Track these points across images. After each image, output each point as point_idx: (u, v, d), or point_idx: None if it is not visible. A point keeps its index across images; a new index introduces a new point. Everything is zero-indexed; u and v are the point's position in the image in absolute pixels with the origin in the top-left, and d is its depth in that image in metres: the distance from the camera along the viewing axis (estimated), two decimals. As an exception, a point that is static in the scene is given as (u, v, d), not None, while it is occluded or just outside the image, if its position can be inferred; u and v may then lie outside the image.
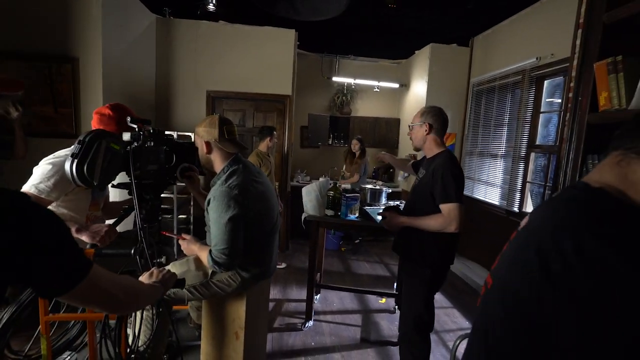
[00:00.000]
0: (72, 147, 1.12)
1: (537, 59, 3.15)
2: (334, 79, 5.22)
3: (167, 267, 1.53)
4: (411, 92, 5.04)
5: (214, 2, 3.64)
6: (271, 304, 2.97)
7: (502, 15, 3.66)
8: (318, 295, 3.13)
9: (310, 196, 2.48)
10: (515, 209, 3.33)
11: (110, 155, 1.16)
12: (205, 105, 3.99)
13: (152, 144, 1.29)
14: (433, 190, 1.65)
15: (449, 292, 3.36)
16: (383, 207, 1.85)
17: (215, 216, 1.43)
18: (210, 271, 1.55)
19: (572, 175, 1.55)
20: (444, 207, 1.61)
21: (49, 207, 1.48)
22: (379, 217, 1.83)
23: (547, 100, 3.27)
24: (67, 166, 1.11)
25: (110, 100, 2.95)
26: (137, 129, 1.27)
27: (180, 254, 1.73)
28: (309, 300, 2.65)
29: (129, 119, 1.27)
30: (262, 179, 1.63)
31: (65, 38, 2.74)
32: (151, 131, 1.29)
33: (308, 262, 2.66)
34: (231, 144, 1.53)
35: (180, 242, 1.61)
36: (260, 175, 1.63)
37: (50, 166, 1.45)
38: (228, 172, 1.51)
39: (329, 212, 2.47)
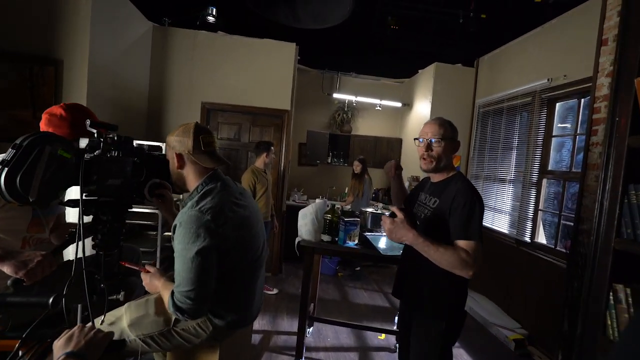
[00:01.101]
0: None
1: (548, 80, 3.00)
2: (335, 95, 5.08)
3: (122, 309, 1.27)
4: (414, 111, 4.89)
5: (214, 13, 3.53)
6: (258, 337, 2.67)
7: (509, 36, 3.56)
8: (311, 329, 2.84)
9: (305, 219, 2.24)
10: (527, 239, 3.10)
11: (56, 165, 0.94)
12: (200, 116, 3.80)
13: (116, 153, 1.06)
14: (450, 221, 1.31)
15: (454, 328, 3.07)
16: (391, 210, 1.35)
17: (180, 248, 1.14)
18: (173, 317, 1.24)
19: (610, 208, 1.34)
20: (464, 245, 1.26)
21: None
22: (386, 214, 1.41)
23: (559, 125, 3.11)
24: None
25: (96, 106, 2.74)
26: (96, 135, 1.03)
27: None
28: (300, 336, 2.36)
29: (88, 122, 1.03)
30: (245, 200, 1.33)
31: (49, 38, 2.56)
32: (115, 139, 1.06)
33: (301, 292, 2.39)
34: (208, 157, 1.26)
35: (143, 275, 1.32)
36: (243, 197, 1.34)
37: None
38: (202, 191, 1.23)
39: (326, 238, 2.23)
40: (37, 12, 2.54)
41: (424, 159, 1.42)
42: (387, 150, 5.19)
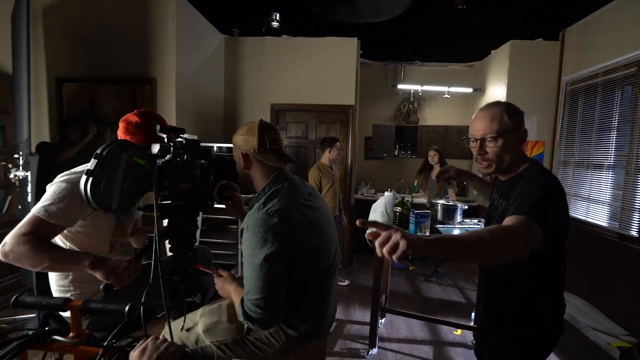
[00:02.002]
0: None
1: (657, 46, 2.55)
2: (399, 86, 4.96)
3: (197, 314, 1.26)
4: (487, 96, 4.54)
5: (277, 18, 3.72)
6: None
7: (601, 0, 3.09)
8: (383, 320, 2.87)
9: (375, 212, 2.28)
10: (634, 233, 2.69)
11: (133, 172, 0.98)
12: (270, 117, 4.05)
13: (186, 157, 1.06)
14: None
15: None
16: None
17: (248, 253, 1.08)
18: (245, 325, 1.17)
19: None
20: (512, 218, 0.94)
21: (59, 238, 1.27)
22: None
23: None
24: (81, 185, 0.94)
25: (182, 115, 3.13)
26: (166, 140, 1.04)
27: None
28: (373, 326, 2.41)
29: (158, 127, 1.04)
30: (315, 202, 1.24)
31: (145, 62, 2.99)
32: (184, 142, 1.06)
33: (372, 283, 2.43)
34: (274, 155, 1.19)
35: (215, 279, 1.30)
36: (313, 197, 1.25)
37: (64, 184, 1.20)
38: (268, 192, 1.17)
39: (396, 230, 2.23)
40: (134, 39, 2.98)
41: (479, 162, 1.17)
42: (457, 139, 4.92)
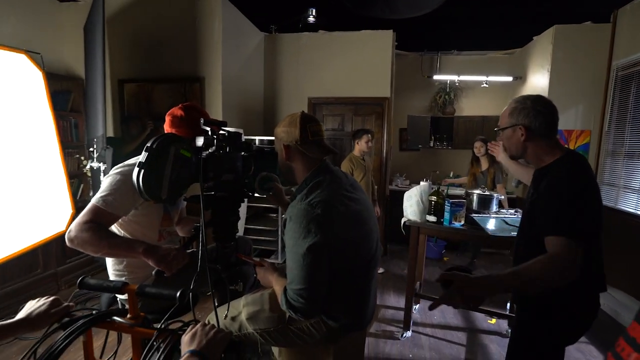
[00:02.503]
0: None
1: None
2: (435, 77, 4.92)
3: (241, 302, 1.30)
4: (528, 85, 4.40)
5: (313, 14, 3.84)
6: (367, 309, 2.93)
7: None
8: (417, 306, 2.97)
9: (410, 201, 2.37)
10: (685, 225, 2.58)
11: (180, 164, 1.01)
12: (307, 111, 4.19)
13: (228, 149, 1.09)
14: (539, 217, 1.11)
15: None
16: (446, 269, 1.11)
17: (291, 243, 1.10)
18: (287, 314, 1.18)
19: None
20: (551, 241, 1.03)
21: (115, 226, 1.34)
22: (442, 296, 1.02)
23: None
24: (133, 177, 0.98)
25: (228, 111, 3.37)
26: (210, 133, 1.08)
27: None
28: (408, 310, 2.53)
29: (202, 120, 1.09)
30: (357, 193, 1.25)
31: (194, 62, 3.25)
32: (226, 135, 1.09)
33: (407, 269, 2.54)
34: (316, 147, 1.21)
35: (257, 269, 1.33)
36: (354, 189, 1.26)
37: (118, 176, 1.28)
38: (311, 184, 1.18)
39: (431, 218, 2.32)
40: (185, 42, 3.25)
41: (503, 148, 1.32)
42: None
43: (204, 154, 1.03)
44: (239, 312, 1.29)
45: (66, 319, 0.94)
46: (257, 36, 4.07)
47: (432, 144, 4.99)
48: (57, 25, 3.31)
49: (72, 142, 3.23)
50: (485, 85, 4.73)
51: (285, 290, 1.13)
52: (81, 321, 0.92)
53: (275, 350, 1.39)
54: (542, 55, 4.02)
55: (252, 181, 1.25)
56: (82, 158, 3.20)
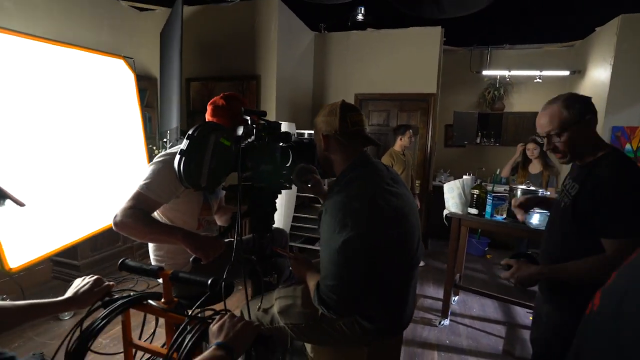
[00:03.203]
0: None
1: None
2: (484, 72, 4.83)
3: (274, 295, 1.27)
4: (587, 79, 4.19)
5: (362, 12, 3.97)
6: (407, 297, 3.06)
7: None
8: (457, 297, 3.04)
9: (452, 193, 2.46)
10: None
11: (220, 153, 1.01)
12: (353, 107, 4.38)
13: (267, 140, 1.08)
14: (594, 215, 1.10)
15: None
16: (510, 255, 1.30)
17: (326, 237, 1.06)
18: (320, 311, 1.12)
19: None
20: (612, 244, 1.06)
21: (158, 212, 1.36)
22: (504, 273, 1.28)
23: None
24: (175, 164, 0.99)
25: (281, 107, 3.64)
26: (249, 122, 1.08)
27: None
28: (446, 299, 2.63)
29: (243, 109, 1.09)
30: (399, 188, 1.16)
31: (252, 61, 3.56)
32: (266, 125, 1.08)
33: (448, 259, 2.64)
34: (356, 137, 1.14)
35: (292, 262, 1.29)
36: (396, 183, 1.17)
37: (161, 164, 1.28)
38: (349, 176, 1.12)
39: (472, 211, 2.40)
40: (243, 43, 3.56)
41: (555, 156, 1.25)
42: (549, 126, 4.63)
43: (243, 143, 1.02)
44: (271, 304, 1.26)
45: (107, 298, 0.99)
46: (308, 35, 4.30)
47: (478, 141, 4.92)
48: (137, 31, 3.79)
49: (146, 134, 3.70)
50: (538, 80, 4.56)
51: (318, 285, 1.08)
52: (119, 302, 0.96)
53: (308, 347, 1.34)
54: (605, 47, 3.81)
55: (290, 172, 1.24)
56: (154, 148, 3.66)
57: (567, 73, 4.47)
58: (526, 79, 4.71)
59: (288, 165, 1.21)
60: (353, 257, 1.01)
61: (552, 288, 1.27)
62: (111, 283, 1.02)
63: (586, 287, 1.11)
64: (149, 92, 3.72)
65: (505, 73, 4.69)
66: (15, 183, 1.72)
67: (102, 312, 0.94)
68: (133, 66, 2.63)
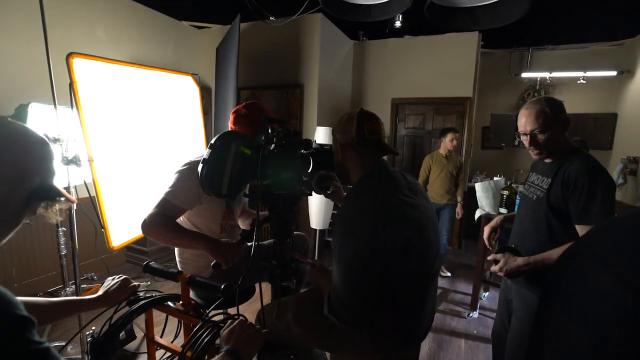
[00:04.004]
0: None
1: None
2: (524, 75, 4.81)
3: (290, 301, 1.25)
4: (637, 78, 4.06)
5: (400, 19, 4.16)
6: (437, 291, 3.23)
7: None
8: (487, 293, 3.17)
9: (487, 193, 2.63)
10: None
11: (240, 161, 1.04)
12: (390, 110, 4.59)
13: (287, 147, 1.08)
14: (567, 204, 1.24)
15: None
16: (496, 251, 1.40)
17: (337, 248, 1.04)
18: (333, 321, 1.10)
19: None
20: (583, 229, 1.21)
21: (184, 216, 1.40)
22: (492, 267, 1.39)
23: None
24: (199, 172, 1.03)
25: (322, 113, 3.95)
26: (270, 130, 1.08)
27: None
28: (475, 292, 2.78)
29: (264, 118, 1.12)
30: (416, 198, 1.11)
31: (296, 71, 3.91)
32: (286, 133, 1.09)
33: (477, 255, 2.79)
34: (373, 146, 1.13)
35: (310, 270, 1.29)
36: (414, 194, 1.12)
37: (186, 172, 1.32)
38: (364, 185, 1.11)
39: (503, 210, 2.54)
40: (289, 54, 3.92)
41: (532, 151, 1.37)
42: (594, 128, 4.52)
43: (264, 151, 1.03)
44: (286, 310, 1.23)
45: (132, 297, 1.06)
46: (347, 44, 4.58)
47: (516, 143, 4.90)
48: (195, 47, 4.30)
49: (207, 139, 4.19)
50: (582, 81, 4.48)
51: (329, 295, 1.07)
52: (142, 302, 1.01)
53: (328, 354, 1.35)
54: (654, 47, 3.70)
55: (311, 179, 1.25)
56: (210, 149, 4.12)
57: (614, 73, 4.35)
58: (569, 80, 4.63)
59: (309, 172, 1.21)
60: (364, 269, 1.00)
61: (534, 279, 1.34)
62: (137, 284, 1.09)
63: None
64: (204, 100, 4.20)
65: (546, 75, 4.65)
66: (114, 178, 2.18)
67: (126, 311, 1.02)
68: (198, 81, 3.08)
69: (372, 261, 0.99)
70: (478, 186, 2.71)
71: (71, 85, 1.74)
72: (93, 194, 2.00)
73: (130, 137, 2.33)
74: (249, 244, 1.35)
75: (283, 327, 1.20)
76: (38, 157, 0.65)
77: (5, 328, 0.49)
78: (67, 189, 1.77)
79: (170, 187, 1.30)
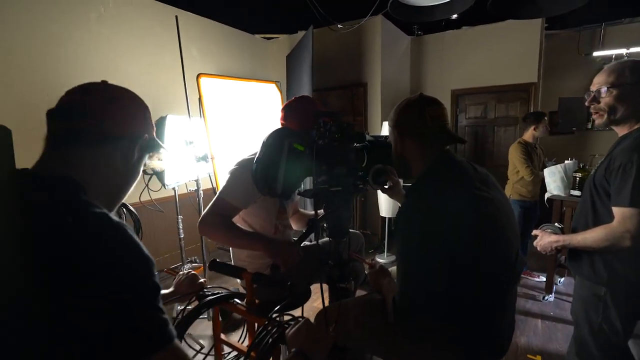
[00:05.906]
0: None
1: None
2: (595, 53, 4.57)
3: (349, 304, 1.17)
4: None
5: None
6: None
7: None
8: (562, 279, 3.16)
9: (554, 177, 2.68)
10: None
11: (294, 158, 1.02)
12: (450, 101, 4.67)
13: (341, 141, 1.04)
14: (610, 184, 1.14)
15: None
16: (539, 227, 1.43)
17: (402, 244, 0.97)
18: (399, 327, 1.03)
19: None
20: (616, 212, 1.11)
21: (238, 215, 1.35)
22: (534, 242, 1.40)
23: None
24: (252, 170, 1.02)
25: (384, 109, 4.18)
26: (322, 124, 1.04)
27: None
28: (550, 275, 2.82)
29: (314, 112, 1.12)
30: (490, 192, 1.00)
31: (359, 71, 4.18)
32: (338, 126, 1.04)
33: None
34: (437, 134, 1.02)
35: (369, 271, 1.22)
36: (487, 186, 1.00)
37: (240, 171, 1.29)
38: (429, 177, 1.01)
39: (575, 193, 2.58)
40: (352, 54, 4.20)
41: (594, 113, 1.22)
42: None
43: (316, 146, 0.98)
44: (347, 313, 1.13)
45: (200, 293, 1.07)
46: (405, 41, 4.74)
47: (589, 126, 4.69)
48: (265, 56, 4.77)
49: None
50: (665, 55, 4.16)
51: (394, 299, 0.99)
52: (209, 298, 1.01)
53: None
54: None
55: (366, 174, 1.18)
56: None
57: None
58: (649, 55, 4.32)
59: (364, 166, 1.15)
60: (432, 267, 0.92)
61: (574, 257, 1.30)
62: (203, 280, 1.10)
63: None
64: (277, 104, 4.65)
65: (623, 51, 4.38)
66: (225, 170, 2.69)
67: (195, 305, 1.02)
68: (280, 88, 3.50)
69: (441, 260, 0.90)
70: (546, 171, 2.76)
71: (200, 100, 2.22)
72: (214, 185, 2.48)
73: (238, 139, 2.87)
74: (307, 243, 1.31)
75: (344, 332, 1.11)
76: (147, 116, 0.74)
77: (145, 292, 0.54)
78: (197, 181, 2.25)
79: (225, 187, 1.29)
